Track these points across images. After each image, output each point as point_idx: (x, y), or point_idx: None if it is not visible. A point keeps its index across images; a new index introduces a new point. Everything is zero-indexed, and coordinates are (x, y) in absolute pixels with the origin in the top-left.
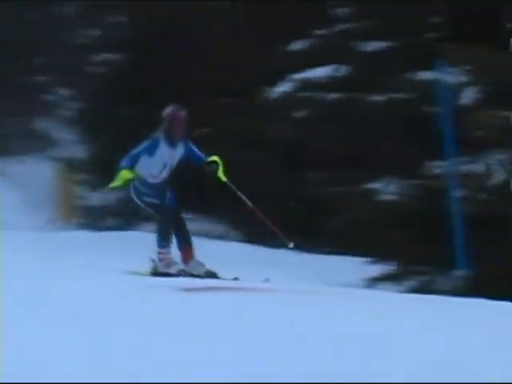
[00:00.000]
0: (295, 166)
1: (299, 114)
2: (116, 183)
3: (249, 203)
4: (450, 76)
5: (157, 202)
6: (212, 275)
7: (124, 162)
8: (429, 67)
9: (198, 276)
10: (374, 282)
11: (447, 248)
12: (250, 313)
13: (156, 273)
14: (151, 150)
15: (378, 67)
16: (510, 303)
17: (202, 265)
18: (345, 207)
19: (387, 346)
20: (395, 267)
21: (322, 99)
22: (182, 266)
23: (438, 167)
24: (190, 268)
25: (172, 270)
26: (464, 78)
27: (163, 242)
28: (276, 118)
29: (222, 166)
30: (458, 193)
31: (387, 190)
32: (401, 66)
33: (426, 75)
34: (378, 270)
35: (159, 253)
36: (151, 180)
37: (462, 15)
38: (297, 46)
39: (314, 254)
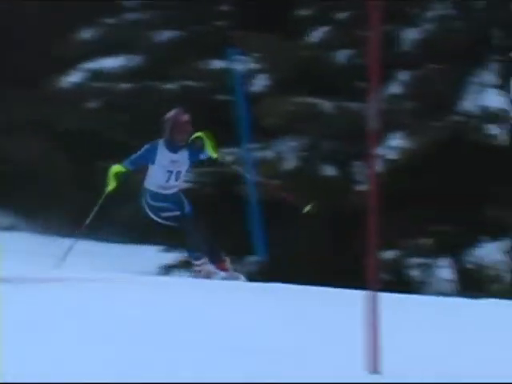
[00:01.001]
0: (86, 155)
1: (91, 104)
2: (111, 186)
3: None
4: (241, 64)
5: (176, 213)
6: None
7: (124, 164)
8: (221, 55)
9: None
10: (169, 269)
11: (243, 234)
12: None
13: None
14: (150, 157)
15: (170, 57)
16: (309, 286)
17: (236, 277)
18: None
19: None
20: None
21: (114, 89)
22: (222, 274)
23: (231, 154)
24: (231, 277)
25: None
26: (255, 66)
27: (195, 253)
28: (67, 107)
29: (209, 142)
30: (253, 179)
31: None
32: (193, 55)
33: (218, 63)
34: (173, 257)
35: (195, 265)
36: (162, 191)
37: (251, 2)
38: (87, 35)
39: (109, 243)
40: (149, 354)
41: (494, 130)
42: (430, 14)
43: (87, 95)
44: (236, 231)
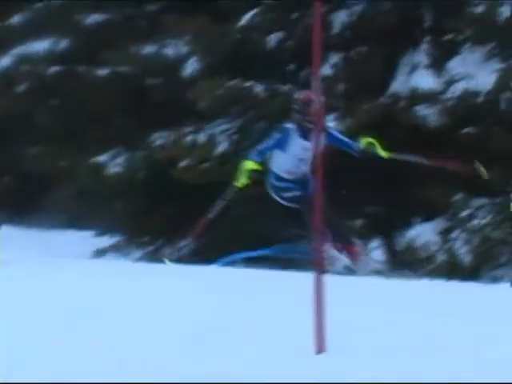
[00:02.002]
0: (14, 140)
1: (19, 88)
2: (242, 182)
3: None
4: (171, 48)
5: (298, 193)
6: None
7: (251, 157)
8: (151, 39)
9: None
10: (101, 253)
11: (175, 218)
12: None
13: None
14: (282, 144)
15: (100, 40)
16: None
17: (369, 262)
18: (69, 181)
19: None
20: (121, 238)
21: (41, 73)
22: (347, 263)
23: (162, 138)
24: (358, 266)
25: (336, 268)
26: (186, 49)
27: (336, 235)
28: None
29: (378, 145)
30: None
31: (113, 162)
32: (123, 39)
33: (148, 48)
34: (106, 242)
35: (338, 247)
36: (287, 176)
37: None
38: (15, 19)
39: (39, 228)
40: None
41: (425, 110)
42: None
43: (16, 79)
44: (169, 214)
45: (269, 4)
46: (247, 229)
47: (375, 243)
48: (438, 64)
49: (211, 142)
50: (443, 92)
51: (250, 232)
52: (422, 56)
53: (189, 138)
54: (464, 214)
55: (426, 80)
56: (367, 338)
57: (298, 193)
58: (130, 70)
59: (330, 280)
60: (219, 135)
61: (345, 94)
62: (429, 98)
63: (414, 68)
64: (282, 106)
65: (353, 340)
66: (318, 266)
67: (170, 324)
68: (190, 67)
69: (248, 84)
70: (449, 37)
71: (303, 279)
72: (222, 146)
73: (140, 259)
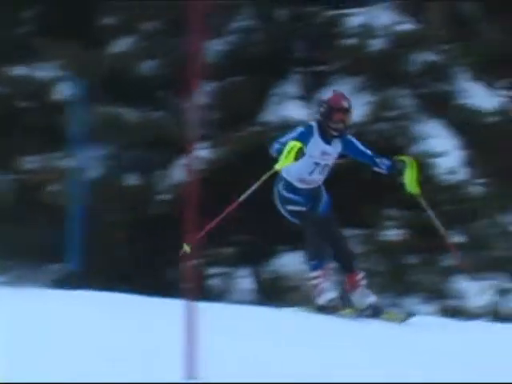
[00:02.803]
0: None
1: None
2: (288, 161)
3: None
4: (44, 71)
5: (302, 209)
6: (376, 311)
7: (272, 151)
8: (23, 62)
9: (360, 312)
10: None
11: (44, 241)
12: None
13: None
14: (303, 141)
15: None
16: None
17: (365, 296)
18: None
19: None
20: None
21: None
22: (337, 297)
23: (32, 162)
24: (352, 300)
25: (322, 301)
26: (58, 73)
27: (312, 261)
28: None
29: (413, 170)
30: (75, 189)
31: None
32: None
33: (20, 70)
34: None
35: (314, 277)
36: (299, 185)
37: (55, 9)
38: None
39: None
40: None
41: None
42: (233, 25)
43: None
44: (41, 238)
45: (143, 31)
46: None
47: (244, 271)
48: (309, 94)
49: (84, 167)
50: None
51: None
52: (293, 86)
53: (60, 163)
54: None
55: (297, 110)
56: (238, 366)
57: (303, 208)
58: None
59: (202, 306)
60: (91, 160)
61: (218, 123)
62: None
63: (286, 98)
64: (154, 133)
65: (223, 367)
66: (190, 293)
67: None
68: (63, 91)
69: (121, 110)
70: (320, 68)
71: (170, 305)
72: (93, 172)
73: (4, 283)
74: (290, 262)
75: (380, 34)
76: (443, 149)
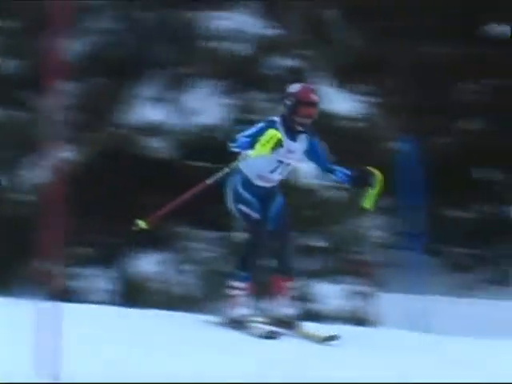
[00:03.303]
0: None
1: None
2: (268, 149)
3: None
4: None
5: (254, 214)
6: (291, 324)
7: (237, 145)
8: None
9: (275, 325)
10: None
11: None
12: None
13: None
14: None
15: None
16: None
17: (285, 306)
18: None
19: None
20: None
21: None
22: (251, 315)
23: None
24: (271, 309)
25: (235, 314)
26: None
27: (242, 272)
28: None
29: (379, 185)
30: None
31: None
32: None
33: None
34: None
35: (231, 287)
36: (257, 182)
37: None
38: None
39: None
40: None
41: (153, 142)
42: (95, 26)
43: None
44: None
45: (6, 30)
46: None
47: (103, 272)
48: (168, 97)
49: None
50: (173, 124)
51: None
52: (152, 88)
53: None
54: (192, 246)
55: (155, 112)
56: (101, 367)
57: (255, 214)
58: None
59: (62, 307)
60: None
61: (79, 124)
62: (158, 129)
63: (145, 99)
64: (17, 133)
65: (86, 369)
66: (50, 293)
67: None
68: None
69: None
70: (180, 70)
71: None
72: None
73: None
74: (150, 264)
75: (241, 38)
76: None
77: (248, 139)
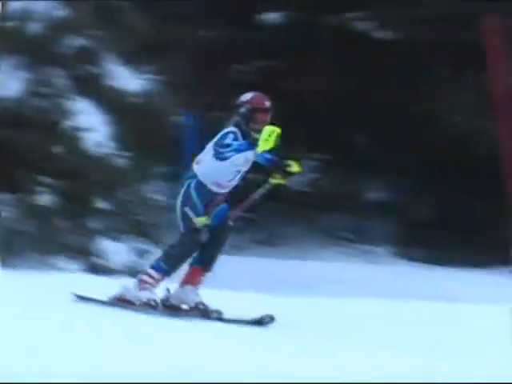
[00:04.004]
0: None
1: None
2: (270, 145)
3: None
4: None
5: (196, 221)
6: (204, 312)
7: (234, 150)
8: None
9: (180, 309)
10: None
11: None
12: None
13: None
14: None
15: None
16: None
17: (196, 295)
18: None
19: None
20: None
21: None
22: (156, 300)
23: None
24: (176, 295)
25: (144, 298)
26: None
27: (162, 264)
28: None
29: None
30: None
31: None
32: None
33: None
34: None
35: (150, 276)
36: (213, 188)
37: None
38: None
39: None
40: None
41: None
42: None
43: None
44: None
45: None
46: None
47: None
48: None
49: None
50: None
51: None
52: None
53: None
54: None
55: None
56: None
57: (194, 216)
58: None
59: None
60: None
61: None
62: None
63: None
64: None
65: None
66: None
67: None
68: None
69: None
70: None
71: None
72: None
73: None
74: None
75: (37, 19)
76: (92, 125)
77: (240, 142)
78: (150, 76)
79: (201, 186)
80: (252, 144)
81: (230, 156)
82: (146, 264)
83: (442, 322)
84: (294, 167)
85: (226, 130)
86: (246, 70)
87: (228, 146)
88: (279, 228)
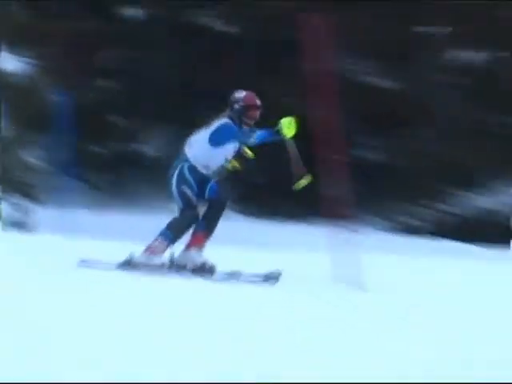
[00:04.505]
0: None
1: None
2: (292, 133)
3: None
4: None
5: (193, 198)
6: (209, 270)
7: (258, 140)
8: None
9: (186, 269)
10: None
11: None
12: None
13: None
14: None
15: None
16: None
17: (199, 257)
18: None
19: None
20: None
21: None
22: (162, 264)
23: None
24: (182, 257)
25: (155, 261)
26: None
27: (169, 233)
28: None
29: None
30: None
31: None
32: None
33: None
34: None
35: (155, 240)
36: (202, 170)
37: None
38: None
39: None
40: None
41: None
42: None
43: None
44: None
45: None
46: None
47: None
48: None
49: None
50: None
51: None
52: None
53: None
54: None
55: None
56: None
57: (193, 196)
58: None
59: None
60: None
61: None
62: None
63: None
64: None
65: None
66: None
67: None
68: None
69: None
70: None
71: None
72: None
73: None
74: None
75: None
76: None
77: (261, 132)
78: (29, 60)
79: (192, 169)
80: (247, 135)
81: (254, 142)
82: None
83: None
84: (249, 153)
85: (223, 121)
86: (110, 56)
87: (234, 135)
88: (141, 188)
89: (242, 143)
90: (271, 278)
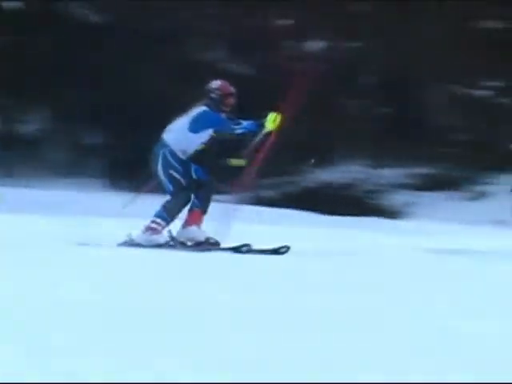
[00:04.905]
0: None
1: None
2: (275, 126)
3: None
4: None
5: (182, 180)
6: (213, 244)
7: (243, 129)
8: None
9: (185, 245)
10: None
11: None
12: None
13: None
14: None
15: None
16: None
17: (201, 232)
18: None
19: None
20: None
21: None
22: (167, 238)
23: None
24: (182, 233)
25: (157, 240)
26: None
27: (164, 213)
28: None
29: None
30: None
31: None
32: None
33: None
34: None
35: (153, 221)
36: (180, 155)
37: None
38: None
39: None
40: None
41: None
42: None
43: None
44: None
45: None
46: None
47: None
48: None
49: None
50: None
51: None
52: None
53: None
54: None
55: None
56: None
57: (182, 179)
58: None
59: None
60: None
61: None
62: None
63: None
64: None
65: None
66: None
67: None
68: None
69: None
70: None
71: None
72: None
73: None
74: None
75: None
76: None
77: (247, 123)
78: None
79: (173, 153)
80: (230, 123)
81: (240, 131)
82: None
83: None
84: (240, 163)
85: (202, 109)
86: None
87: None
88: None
89: (226, 131)
90: (277, 251)
